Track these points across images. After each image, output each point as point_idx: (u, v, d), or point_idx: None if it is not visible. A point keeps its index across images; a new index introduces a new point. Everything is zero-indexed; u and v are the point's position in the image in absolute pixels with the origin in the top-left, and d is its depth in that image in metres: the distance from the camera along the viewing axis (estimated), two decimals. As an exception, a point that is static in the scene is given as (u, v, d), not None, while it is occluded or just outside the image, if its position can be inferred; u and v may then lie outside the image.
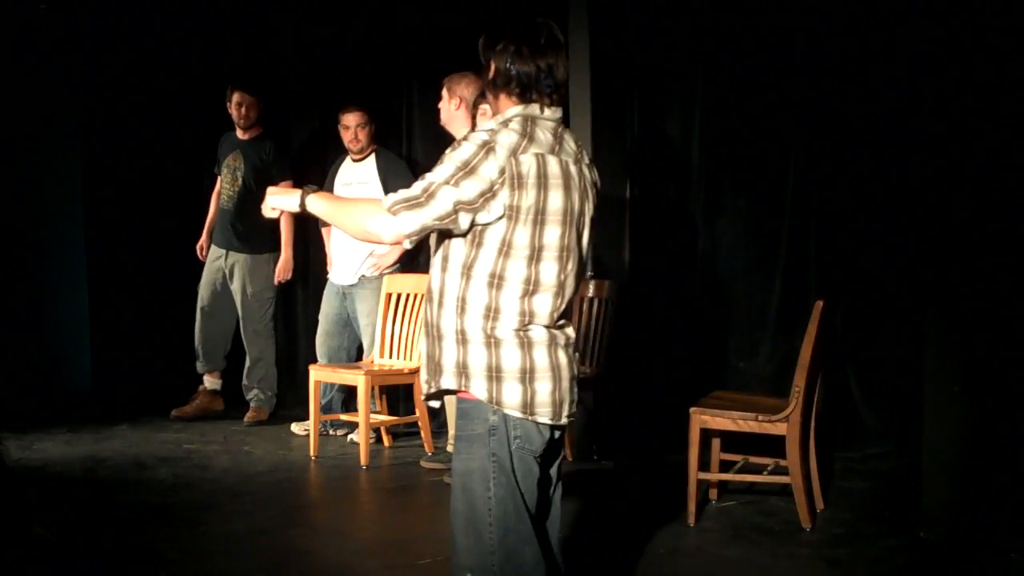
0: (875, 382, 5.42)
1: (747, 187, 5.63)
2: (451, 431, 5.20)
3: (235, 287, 6.58)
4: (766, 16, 5.48)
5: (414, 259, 5.98)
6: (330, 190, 5.83)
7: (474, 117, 4.96)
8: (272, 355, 6.75)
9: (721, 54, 5.62)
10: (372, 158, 6.02)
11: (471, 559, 2.60)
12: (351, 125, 5.96)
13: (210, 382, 6.74)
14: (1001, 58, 3.86)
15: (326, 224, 6.19)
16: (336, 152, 6.33)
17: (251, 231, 6.46)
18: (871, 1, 5.20)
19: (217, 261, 6.60)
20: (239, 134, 6.55)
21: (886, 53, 5.15)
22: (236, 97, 6.45)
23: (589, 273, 5.42)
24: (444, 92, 5.19)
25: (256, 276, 6.55)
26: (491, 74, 2.63)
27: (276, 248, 6.53)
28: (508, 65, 2.58)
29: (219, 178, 6.64)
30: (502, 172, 2.48)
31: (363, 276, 5.99)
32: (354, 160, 6.05)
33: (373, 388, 5.59)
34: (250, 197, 6.31)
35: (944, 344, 3.98)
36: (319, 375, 5.67)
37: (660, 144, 5.79)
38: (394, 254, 5.88)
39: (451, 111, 5.17)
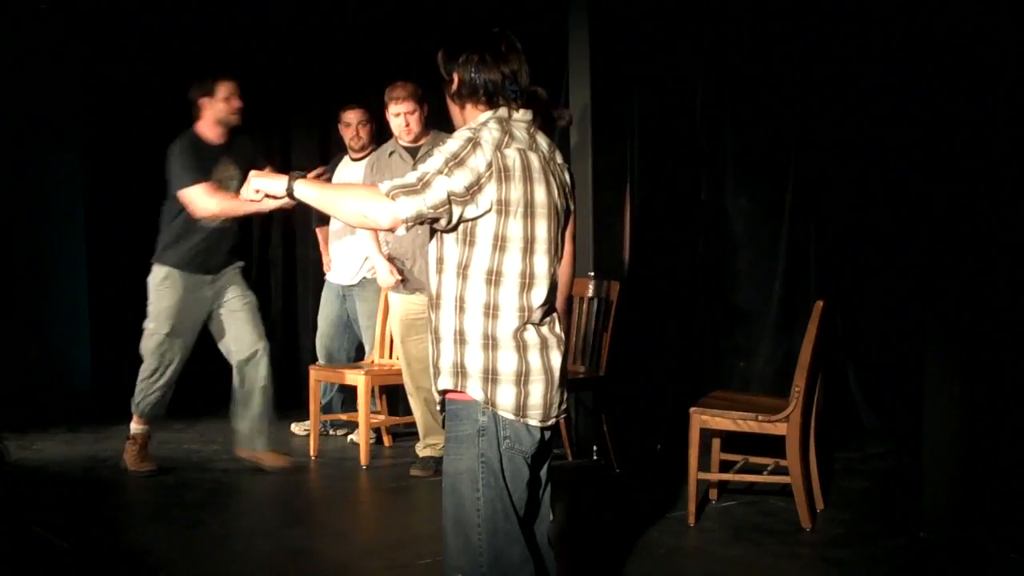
0: (875, 382, 5.42)
1: (747, 187, 5.62)
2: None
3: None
4: (766, 16, 5.47)
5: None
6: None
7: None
8: None
9: (721, 54, 5.62)
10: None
11: (460, 559, 2.63)
12: (352, 122, 5.94)
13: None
14: (1001, 59, 3.85)
15: (322, 224, 6.21)
16: (335, 151, 6.32)
17: None
18: (872, 1, 5.20)
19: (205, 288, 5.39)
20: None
21: (887, 53, 5.14)
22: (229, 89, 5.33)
23: (590, 272, 5.42)
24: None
25: None
26: (455, 86, 2.66)
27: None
28: (473, 75, 2.62)
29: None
30: (489, 165, 2.50)
31: (364, 277, 5.99)
32: (353, 159, 6.04)
33: (373, 388, 5.59)
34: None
35: (944, 344, 3.98)
36: (319, 375, 5.68)
37: (660, 144, 5.78)
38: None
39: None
